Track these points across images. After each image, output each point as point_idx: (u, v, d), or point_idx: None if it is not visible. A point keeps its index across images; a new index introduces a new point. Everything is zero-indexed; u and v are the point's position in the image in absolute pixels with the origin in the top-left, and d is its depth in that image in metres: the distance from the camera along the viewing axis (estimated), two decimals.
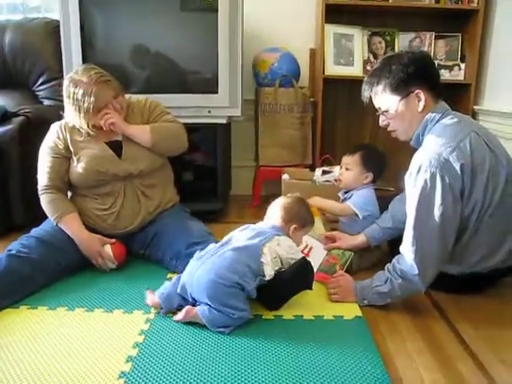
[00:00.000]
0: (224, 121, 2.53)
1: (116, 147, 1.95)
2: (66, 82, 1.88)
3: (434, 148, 1.55)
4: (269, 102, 2.82)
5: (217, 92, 2.45)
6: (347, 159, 2.15)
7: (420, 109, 1.64)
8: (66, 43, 2.41)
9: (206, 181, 2.71)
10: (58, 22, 2.43)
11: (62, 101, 2.52)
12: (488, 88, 2.80)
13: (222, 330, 1.48)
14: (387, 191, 2.77)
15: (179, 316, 1.52)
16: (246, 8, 2.49)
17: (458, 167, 1.51)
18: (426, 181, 1.51)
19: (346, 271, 1.85)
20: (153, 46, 2.49)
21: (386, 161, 2.18)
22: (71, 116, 1.90)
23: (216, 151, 2.60)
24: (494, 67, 2.75)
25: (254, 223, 1.75)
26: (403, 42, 2.96)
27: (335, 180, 2.45)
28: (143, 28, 2.48)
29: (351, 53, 2.93)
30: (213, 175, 2.63)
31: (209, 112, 2.49)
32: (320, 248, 1.97)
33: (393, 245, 2.07)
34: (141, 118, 2.04)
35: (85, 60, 2.39)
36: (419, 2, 2.80)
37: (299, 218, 1.73)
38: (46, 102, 2.72)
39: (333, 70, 2.89)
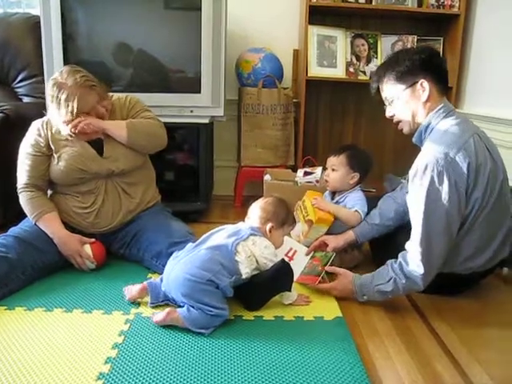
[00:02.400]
0: (206, 120, 2.53)
1: (97, 145, 1.93)
2: (50, 83, 1.83)
3: (440, 147, 1.56)
4: (251, 103, 2.82)
5: (199, 91, 2.45)
6: (333, 160, 2.13)
7: (424, 98, 1.65)
8: (46, 39, 2.38)
9: (188, 181, 2.70)
10: (39, 17, 2.39)
11: (42, 98, 2.51)
12: (468, 92, 2.84)
13: (202, 330, 1.47)
14: (369, 192, 2.79)
15: (159, 316, 1.50)
16: (230, 8, 2.49)
17: (464, 166, 1.53)
18: (432, 180, 1.52)
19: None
20: (135, 44, 2.47)
21: (371, 161, 2.17)
22: (54, 117, 1.87)
23: (198, 151, 2.59)
24: (475, 71, 2.79)
25: (235, 223, 1.75)
26: (386, 44, 2.99)
27: (316, 181, 2.46)
28: (126, 25, 2.46)
29: (334, 54, 2.94)
30: (195, 175, 2.63)
31: (191, 112, 2.48)
32: (304, 251, 1.97)
33: (374, 246, 2.09)
34: (120, 116, 2.01)
35: (66, 57, 2.36)
36: (402, 6, 2.83)
37: (276, 217, 1.71)
38: (26, 99, 2.68)
39: (316, 71, 2.90)
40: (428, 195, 1.53)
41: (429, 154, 1.56)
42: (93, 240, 1.91)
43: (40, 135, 1.91)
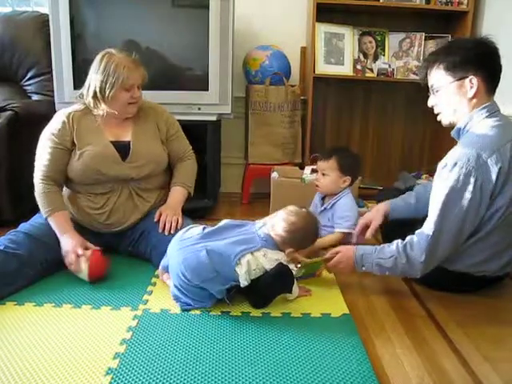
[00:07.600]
0: (214, 118, 2.54)
1: (122, 148, 1.92)
2: (98, 56, 1.84)
3: (474, 147, 1.52)
4: (259, 100, 2.83)
5: (207, 89, 2.46)
6: (323, 164, 2.12)
7: (470, 95, 1.60)
8: (55, 38, 2.40)
9: (196, 178, 2.70)
10: (48, 15, 2.41)
11: (50, 96, 2.52)
12: None
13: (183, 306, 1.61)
14: (375, 189, 2.79)
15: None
16: (238, 5, 2.50)
17: (495, 170, 1.50)
18: (459, 177, 1.50)
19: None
20: (143, 42, 2.48)
21: (360, 162, 2.15)
22: (93, 92, 1.84)
23: (206, 148, 2.60)
24: None
25: (254, 220, 1.72)
26: (393, 42, 2.99)
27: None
28: (134, 23, 2.48)
29: (342, 52, 2.94)
30: (202, 172, 2.63)
31: (199, 109, 2.49)
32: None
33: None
34: (155, 124, 2.03)
35: (74, 54, 2.38)
36: (409, 3, 2.82)
37: (300, 243, 1.68)
38: (35, 97, 2.70)
39: (323, 68, 2.90)
40: (450, 192, 1.52)
41: (462, 152, 1.53)
42: (97, 248, 1.79)
43: (65, 128, 1.87)
